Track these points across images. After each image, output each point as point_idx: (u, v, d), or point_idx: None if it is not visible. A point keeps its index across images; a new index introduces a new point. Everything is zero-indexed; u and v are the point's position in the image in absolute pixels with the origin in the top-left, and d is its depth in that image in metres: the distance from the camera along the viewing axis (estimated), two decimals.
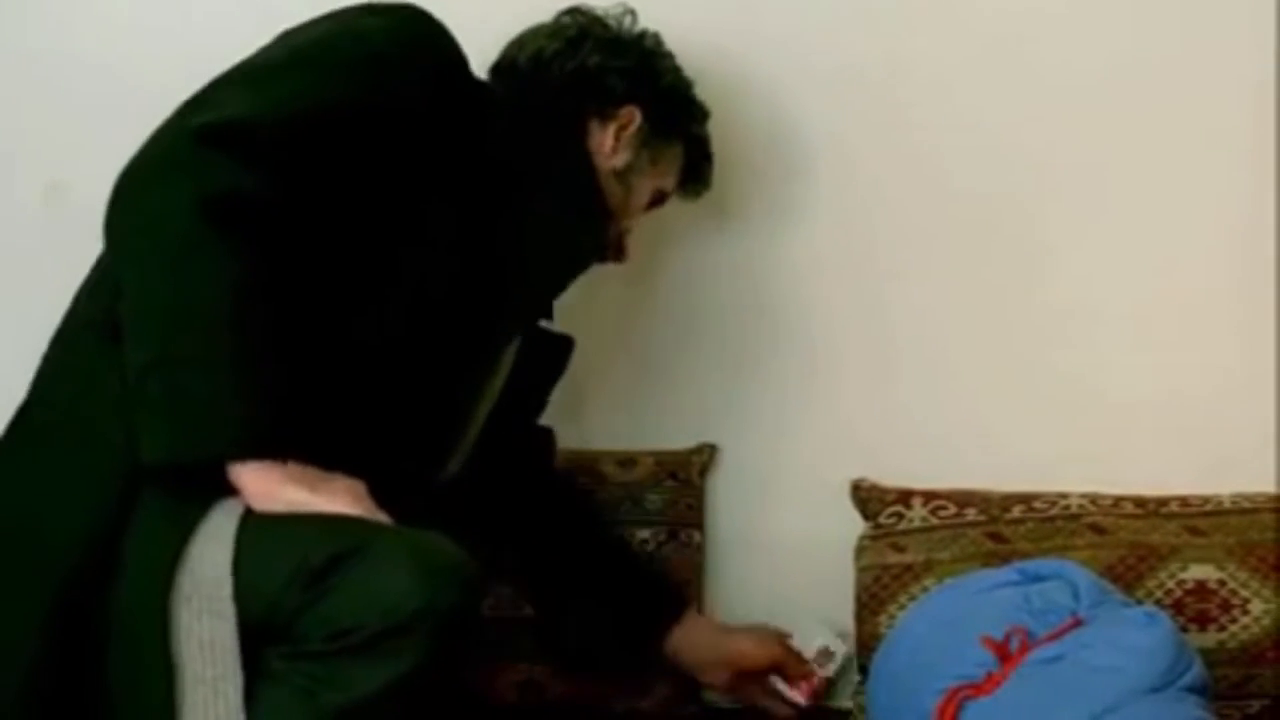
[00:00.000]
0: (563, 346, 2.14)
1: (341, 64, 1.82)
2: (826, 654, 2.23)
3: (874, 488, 2.27)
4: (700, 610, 2.31)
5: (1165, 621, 1.88)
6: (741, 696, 2.24)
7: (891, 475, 2.28)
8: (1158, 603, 2.08)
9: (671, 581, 2.25)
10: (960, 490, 2.24)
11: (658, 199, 2.13)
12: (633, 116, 2.05)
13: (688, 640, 2.19)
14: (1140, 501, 2.19)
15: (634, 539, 2.28)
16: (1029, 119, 2.32)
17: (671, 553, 2.30)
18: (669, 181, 2.13)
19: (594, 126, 2.04)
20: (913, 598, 2.15)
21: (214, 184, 1.70)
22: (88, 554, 1.70)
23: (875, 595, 2.19)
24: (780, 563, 2.36)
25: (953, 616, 1.95)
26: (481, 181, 1.90)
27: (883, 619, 2.17)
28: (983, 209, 2.33)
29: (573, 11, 2.10)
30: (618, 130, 2.04)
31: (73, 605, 1.69)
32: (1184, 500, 2.19)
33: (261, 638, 1.67)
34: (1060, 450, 2.28)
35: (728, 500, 2.38)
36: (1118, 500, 2.20)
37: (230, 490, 1.71)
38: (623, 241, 2.10)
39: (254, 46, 1.87)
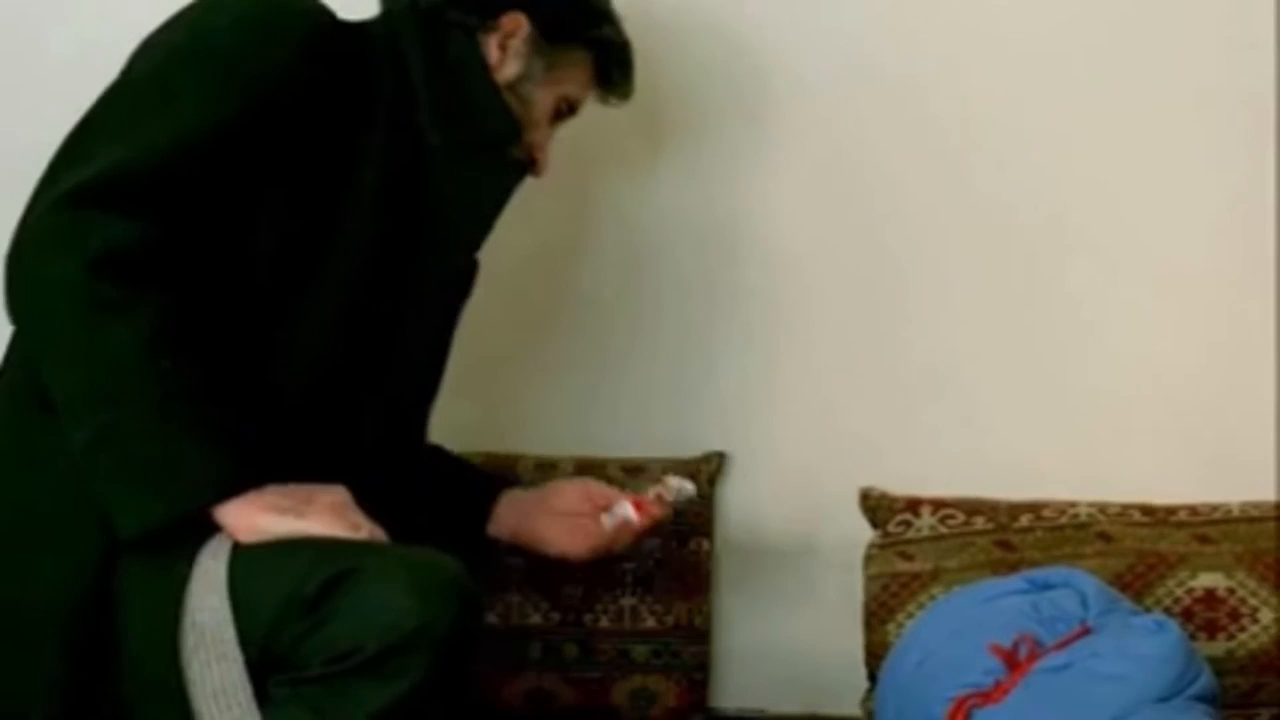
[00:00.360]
0: (468, 270, 2.08)
1: (199, 83, 1.77)
2: (666, 486, 2.12)
3: (883, 496, 2.27)
4: (709, 621, 2.31)
5: (1174, 630, 1.88)
6: (594, 548, 2.09)
7: (900, 484, 2.28)
8: (1166, 611, 2.08)
9: (486, 472, 2.17)
10: (969, 499, 2.23)
11: (567, 109, 2.04)
12: (517, 24, 1.96)
13: (508, 513, 2.10)
14: (1148, 510, 2.19)
15: (642, 546, 2.27)
16: (1047, 129, 2.33)
17: (680, 561, 2.30)
18: (573, 89, 2.03)
19: (485, 40, 1.95)
20: (921, 606, 2.15)
21: (97, 246, 1.67)
22: (77, 634, 1.69)
23: (884, 604, 2.18)
24: (789, 571, 2.36)
25: (961, 625, 1.95)
26: (388, 130, 1.87)
27: (891, 627, 2.16)
28: (995, 218, 2.35)
29: None
30: (502, 40, 1.95)
31: (78, 685, 1.69)
32: (1192, 509, 2.19)
33: (264, 668, 1.67)
34: (1069, 458, 2.29)
35: (737, 508, 2.38)
36: (1126, 509, 2.19)
37: (205, 530, 1.70)
38: (535, 154, 2.01)
39: None
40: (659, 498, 2.07)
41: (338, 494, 1.76)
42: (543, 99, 1.99)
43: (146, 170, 1.71)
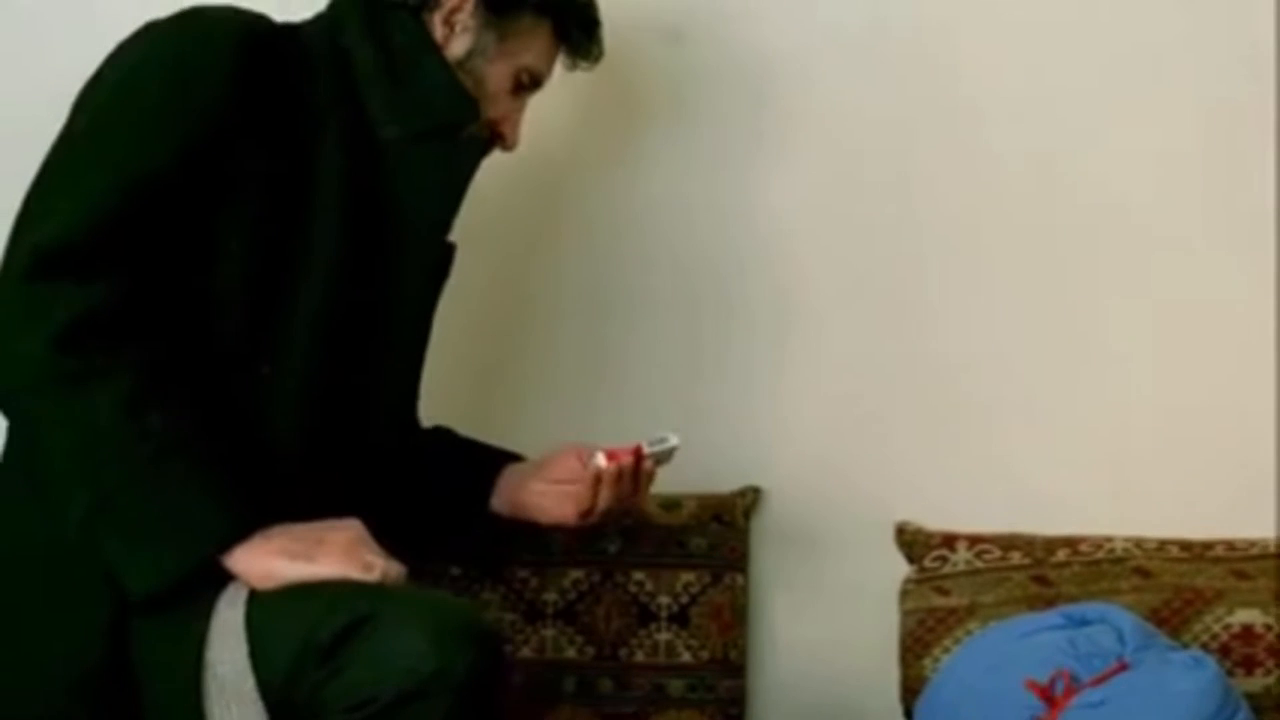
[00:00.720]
0: (444, 254, 2.04)
1: (130, 133, 1.76)
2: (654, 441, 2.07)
3: (918, 531, 2.26)
4: (744, 655, 2.30)
5: (1211, 666, 1.87)
6: (581, 512, 2.02)
7: (936, 518, 2.28)
8: (1204, 647, 2.07)
9: (489, 448, 2.14)
10: (1005, 534, 2.23)
11: (529, 80, 1.98)
12: None
13: (507, 486, 2.07)
14: (1186, 545, 2.18)
15: (677, 581, 2.28)
16: (1083, 151, 2.34)
17: (715, 595, 2.29)
18: (530, 58, 1.97)
19: (429, 19, 1.92)
20: (957, 641, 2.14)
21: (61, 318, 1.66)
22: (96, 700, 1.70)
23: (920, 639, 2.18)
24: (824, 606, 2.36)
25: (997, 660, 1.94)
26: (338, 129, 1.85)
27: (927, 662, 2.16)
28: (1030, 254, 2.34)
29: None
30: (447, 16, 1.91)
31: None
32: (1229, 544, 2.18)
33: (286, 716, 1.66)
34: (1105, 493, 2.28)
35: (772, 543, 2.37)
36: (1163, 544, 2.19)
37: (217, 580, 1.70)
38: (500, 129, 1.97)
39: None
40: (636, 449, 2.03)
41: (349, 530, 1.75)
42: (498, 73, 1.95)
43: (94, 230, 1.70)
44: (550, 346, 2.42)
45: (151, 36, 1.82)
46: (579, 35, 2.01)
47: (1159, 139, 2.32)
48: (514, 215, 2.36)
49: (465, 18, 1.92)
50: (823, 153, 2.38)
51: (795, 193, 2.38)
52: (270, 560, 1.69)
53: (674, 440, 2.05)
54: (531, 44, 1.96)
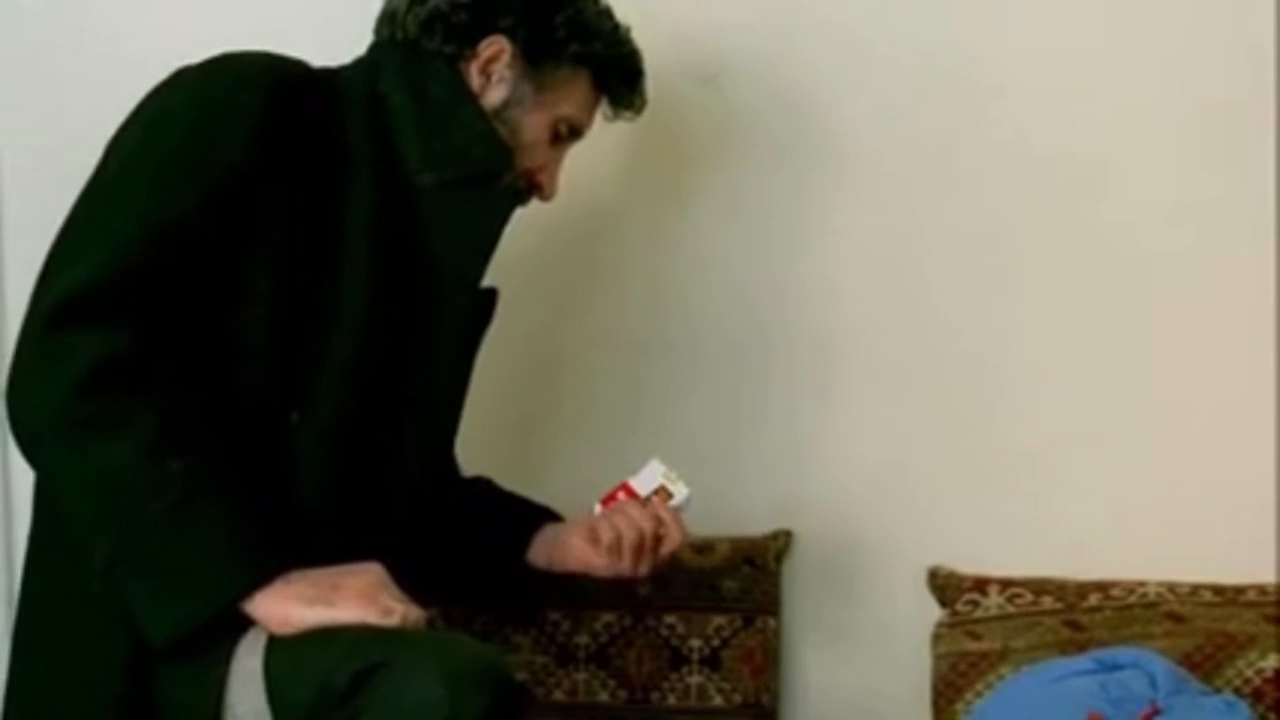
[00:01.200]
0: (485, 301, 2.02)
1: (156, 180, 1.75)
2: (664, 495, 2.06)
3: (950, 575, 2.27)
4: (776, 699, 2.31)
5: (1244, 711, 1.87)
6: (610, 564, 2.02)
7: (968, 562, 2.28)
8: (1236, 692, 2.06)
9: (531, 503, 2.13)
10: (1037, 578, 2.23)
11: (568, 131, 1.97)
12: (497, 48, 1.90)
13: (545, 538, 2.06)
14: (1218, 589, 2.18)
15: (709, 625, 2.28)
16: (1126, 192, 2.33)
17: (747, 639, 2.30)
18: (569, 109, 1.96)
19: (466, 68, 1.91)
20: (989, 686, 2.14)
21: (80, 364, 1.66)
22: None
23: (952, 683, 2.18)
24: (857, 650, 2.36)
25: (1030, 705, 1.94)
26: (371, 176, 1.84)
27: (959, 707, 2.16)
28: (1065, 302, 2.34)
29: None
30: (484, 66, 1.90)
31: None
32: (1262, 588, 2.17)
33: None
34: (1137, 537, 2.27)
35: (804, 586, 2.38)
36: (1195, 588, 2.18)
37: (237, 626, 1.70)
38: (537, 179, 1.97)
39: None
40: (627, 489, 2.04)
41: (369, 575, 1.74)
42: (534, 124, 1.94)
43: (118, 277, 1.70)
44: (588, 395, 2.43)
45: (181, 82, 1.82)
46: (619, 86, 2.01)
47: (1221, 190, 2.31)
48: (553, 263, 2.37)
49: (502, 68, 1.91)
50: (865, 196, 2.38)
51: (835, 238, 2.38)
52: (289, 606, 1.69)
53: (656, 474, 2.05)
54: (570, 94, 1.96)
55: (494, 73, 1.92)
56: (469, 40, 1.91)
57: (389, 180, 1.86)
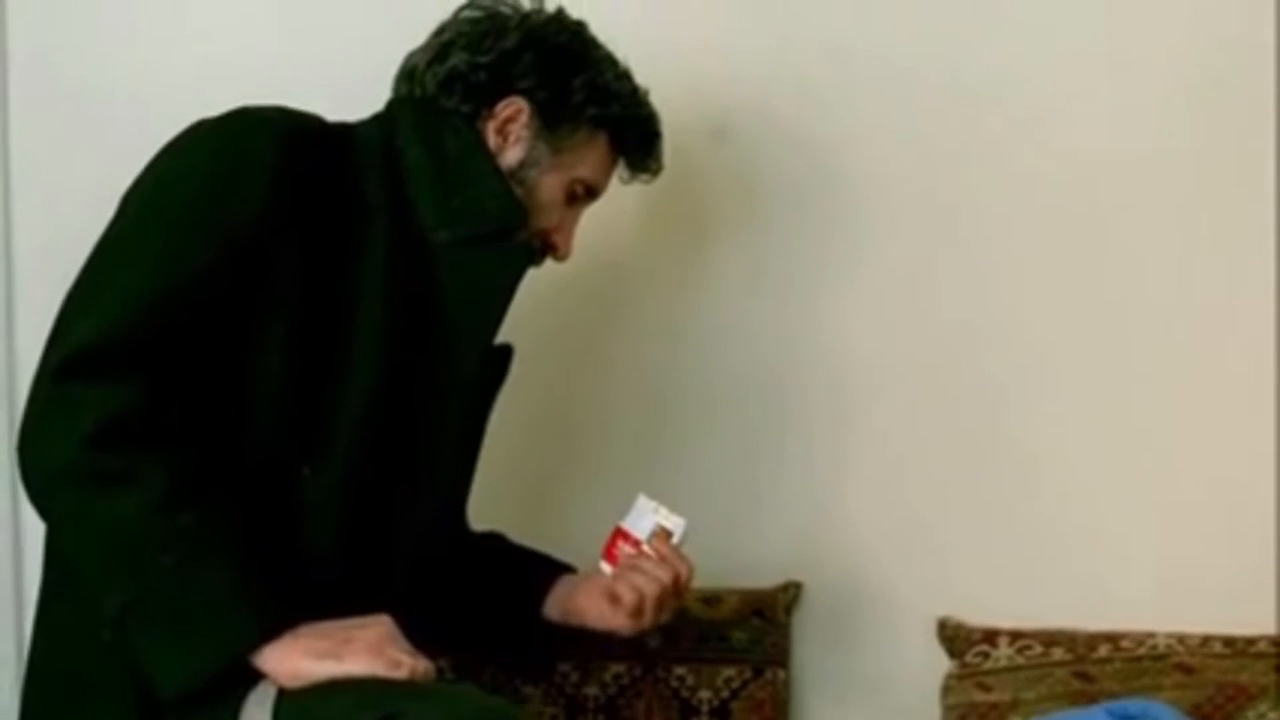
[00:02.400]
0: (499, 359, 2.03)
1: (168, 235, 1.76)
2: (664, 534, 2.04)
3: (960, 626, 2.26)
4: None
5: None
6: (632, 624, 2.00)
7: (977, 614, 2.28)
8: None
9: (545, 557, 2.12)
10: (1046, 629, 2.23)
11: (584, 191, 1.97)
12: (515, 108, 1.91)
13: (560, 592, 2.04)
14: (1228, 641, 2.17)
15: (719, 676, 2.28)
16: (1140, 243, 2.33)
17: (757, 690, 2.29)
18: (586, 171, 1.96)
19: (484, 127, 1.92)
20: None
21: (89, 418, 1.66)
22: None
23: None
24: (866, 701, 2.36)
25: None
26: (385, 232, 1.84)
27: None
28: (1076, 354, 2.34)
29: (469, 5, 1.98)
30: (501, 126, 1.91)
31: None
32: (1273, 639, 2.17)
33: None
34: (1147, 588, 2.27)
35: (813, 638, 2.38)
36: (1206, 639, 2.18)
37: (246, 678, 1.69)
38: (552, 240, 1.96)
39: None
40: (625, 535, 2.03)
41: (378, 627, 1.74)
42: (551, 184, 1.94)
43: (128, 331, 1.70)
44: (603, 453, 2.43)
45: (196, 135, 1.83)
46: (636, 149, 2.01)
47: (1232, 234, 2.32)
48: (568, 318, 2.38)
49: (519, 128, 1.92)
50: (877, 249, 2.39)
51: (846, 293, 2.39)
52: (298, 660, 1.68)
53: (648, 519, 2.03)
54: (587, 156, 1.96)
55: (511, 133, 1.92)
56: (487, 100, 1.92)
57: (404, 235, 1.85)
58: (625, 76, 1.99)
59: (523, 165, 1.92)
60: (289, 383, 1.78)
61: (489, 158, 1.91)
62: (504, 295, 1.93)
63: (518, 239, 1.93)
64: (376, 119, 1.95)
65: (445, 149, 1.90)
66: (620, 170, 2.04)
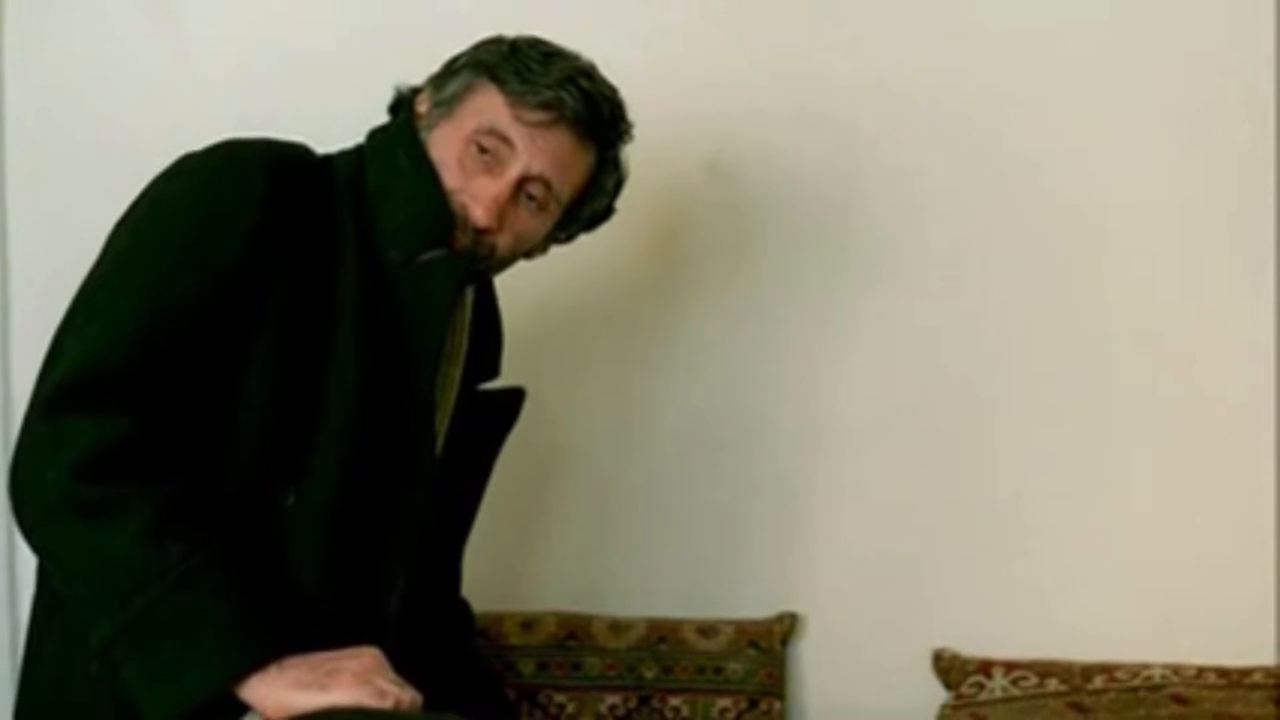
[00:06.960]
0: (512, 400, 2.04)
1: (156, 267, 1.76)
2: None
3: (955, 657, 2.26)
4: None
5: None
6: None
7: (972, 645, 2.28)
8: None
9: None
10: (1041, 660, 2.23)
11: (489, 142, 1.88)
12: (422, 98, 1.94)
13: None
14: (1223, 672, 2.17)
15: (714, 707, 2.28)
16: (1129, 281, 2.35)
17: None
18: (476, 120, 1.89)
19: (428, 138, 1.91)
20: None
21: (77, 449, 1.67)
22: None
23: None
24: None
25: None
26: (355, 261, 1.84)
27: None
28: (1069, 389, 2.35)
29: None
30: (421, 121, 1.92)
31: None
32: (1268, 671, 2.17)
33: None
34: (1142, 619, 2.27)
35: (809, 669, 2.38)
36: (1201, 671, 2.18)
37: (234, 709, 1.69)
38: (467, 211, 1.87)
39: None
40: None
41: (364, 658, 1.73)
42: (450, 146, 1.89)
43: (117, 363, 1.71)
44: (586, 484, 2.44)
45: (183, 168, 1.84)
46: (515, 82, 1.89)
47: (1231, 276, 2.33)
48: (556, 355, 2.38)
49: (428, 114, 1.92)
50: (868, 282, 2.40)
51: (839, 325, 2.40)
52: (284, 691, 1.68)
53: None
54: (471, 103, 1.90)
55: (423, 125, 1.92)
56: (408, 105, 1.95)
57: (371, 261, 1.86)
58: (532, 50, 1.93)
59: (430, 143, 1.91)
60: (272, 412, 1.78)
61: (429, 163, 1.89)
62: (442, 309, 1.89)
63: (457, 245, 1.89)
64: (354, 148, 1.96)
65: (397, 166, 1.90)
66: (583, 152, 1.94)
